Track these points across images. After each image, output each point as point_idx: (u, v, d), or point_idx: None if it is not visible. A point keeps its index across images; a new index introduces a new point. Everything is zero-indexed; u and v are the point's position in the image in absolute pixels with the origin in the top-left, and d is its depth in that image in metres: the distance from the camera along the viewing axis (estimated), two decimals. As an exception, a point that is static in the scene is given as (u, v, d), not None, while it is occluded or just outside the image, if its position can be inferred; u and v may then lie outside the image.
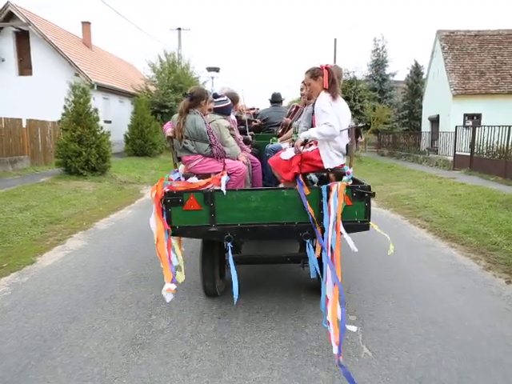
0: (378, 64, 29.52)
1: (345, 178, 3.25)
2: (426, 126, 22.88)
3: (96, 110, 11.35)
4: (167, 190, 3.16)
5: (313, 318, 3.33)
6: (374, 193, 3.27)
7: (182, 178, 3.60)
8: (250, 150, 4.49)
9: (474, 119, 18.24)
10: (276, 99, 5.91)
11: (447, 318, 3.32)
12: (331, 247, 2.90)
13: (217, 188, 3.16)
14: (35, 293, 3.89)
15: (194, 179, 3.40)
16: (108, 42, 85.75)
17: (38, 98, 16.76)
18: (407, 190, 9.81)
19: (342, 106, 3.34)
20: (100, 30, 71.51)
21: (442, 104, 19.78)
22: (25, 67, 18.11)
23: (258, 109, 6.64)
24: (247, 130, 4.99)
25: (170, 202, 3.13)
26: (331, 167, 3.34)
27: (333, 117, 3.14)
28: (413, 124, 27.94)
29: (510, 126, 11.83)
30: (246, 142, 4.68)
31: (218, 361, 2.73)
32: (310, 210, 3.03)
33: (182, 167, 3.83)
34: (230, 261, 3.13)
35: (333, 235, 2.90)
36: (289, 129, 4.68)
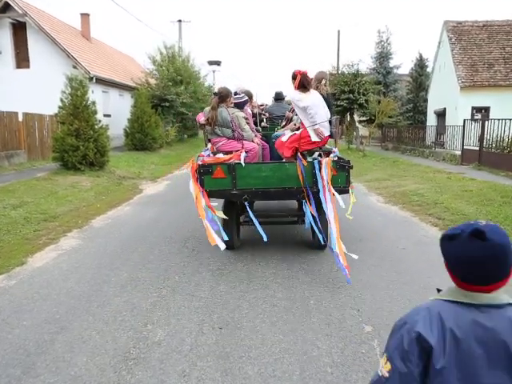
0: (383, 56, 28.91)
1: (331, 155, 4.49)
2: (431, 120, 22.37)
3: (94, 103, 10.97)
4: (200, 163, 4.35)
5: (324, 328, 3.02)
6: (353, 165, 4.29)
7: (211, 155, 4.74)
8: (260, 137, 5.47)
9: (483, 112, 17.78)
10: (278, 97, 6.97)
11: (472, 329, 3.00)
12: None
13: (237, 161, 4.31)
14: (22, 298, 3.60)
15: (220, 155, 4.58)
16: (108, 35, 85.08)
17: (36, 92, 16.36)
18: (415, 186, 9.46)
19: (310, 97, 4.40)
20: (99, 23, 70.80)
21: (449, 97, 19.29)
22: (22, 60, 17.70)
23: (266, 105, 7.71)
24: (258, 123, 6.13)
25: (203, 172, 4.27)
26: (318, 139, 4.43)
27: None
28: (417, 118, 27.34)
29: (520, 119, 11.45)
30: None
31: (219, 380, 2.43)
32: (301, 178, 4.22)
33: (210, 146, 4.96)
34: (250, 214, 4.39)
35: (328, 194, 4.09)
36: (290, 121, 5.58)
